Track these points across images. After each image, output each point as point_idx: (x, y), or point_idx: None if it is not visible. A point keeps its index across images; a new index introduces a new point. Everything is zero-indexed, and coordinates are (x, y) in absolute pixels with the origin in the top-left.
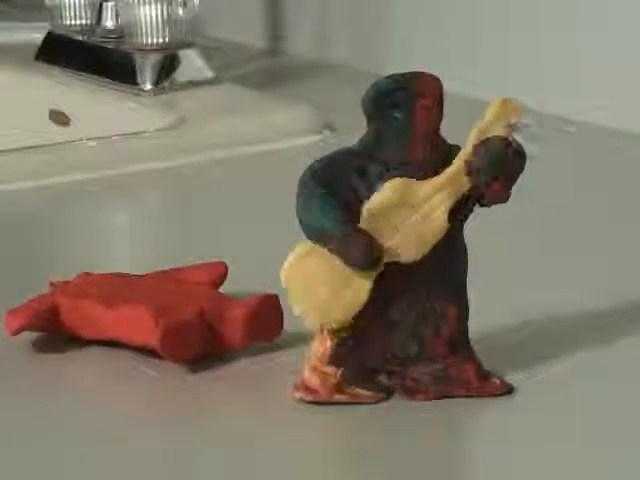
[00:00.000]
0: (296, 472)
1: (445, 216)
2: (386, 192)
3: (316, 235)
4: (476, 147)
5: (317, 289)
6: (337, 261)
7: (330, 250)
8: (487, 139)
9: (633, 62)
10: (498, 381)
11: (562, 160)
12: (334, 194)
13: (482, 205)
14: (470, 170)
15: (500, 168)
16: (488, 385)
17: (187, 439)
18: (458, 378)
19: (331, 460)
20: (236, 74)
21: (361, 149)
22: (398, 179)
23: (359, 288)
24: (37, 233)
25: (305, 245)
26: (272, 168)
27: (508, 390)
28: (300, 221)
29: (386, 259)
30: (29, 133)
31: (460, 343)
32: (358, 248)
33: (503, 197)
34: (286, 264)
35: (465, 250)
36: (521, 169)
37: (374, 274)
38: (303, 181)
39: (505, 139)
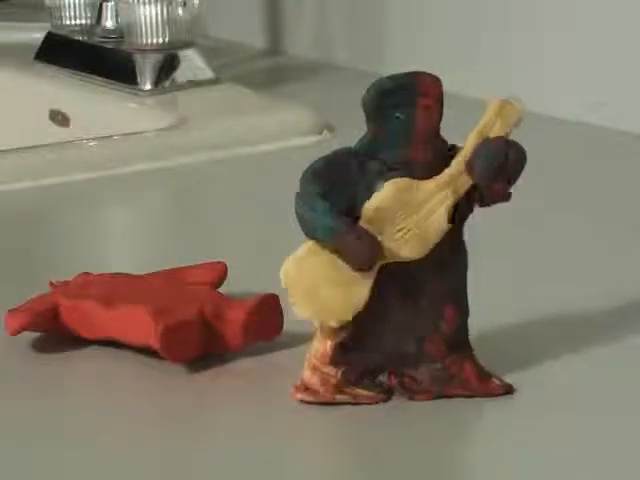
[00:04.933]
0: (296, 472)
1: (445, 216)
2: (386, 192)
3: (315, 233)
4: (476, 148)
5: (318, 289)
6: (338, 261)
7: (329, 248)
8: (487, 140)
9: (633, 62)
10: (497, 381)
11: (562, 160)
12: (334, 193)
13: (482, 205)
14: (470, 171)
15: (500, 169)
16: (487, 385)
17: (187, 439)
18: (458, 378)
19: (331, 460)
20: (236, 74)
21: (361, 149)
22: (398, 179)
23: (360, 287)
24: (37, 233)
25: (305, 246)
26: (272, 168)
27: (508, 390)
28: (300, 219)
29: (387, 259)
30: (29, 133)
31: (459, 343)
32: (358, 246)
33: (504, 197)
34: (286, 264)
35: (465, 250)
36: (521, 168)
37: (374, 273)
38: (304, 180)
39: (505, 140)
